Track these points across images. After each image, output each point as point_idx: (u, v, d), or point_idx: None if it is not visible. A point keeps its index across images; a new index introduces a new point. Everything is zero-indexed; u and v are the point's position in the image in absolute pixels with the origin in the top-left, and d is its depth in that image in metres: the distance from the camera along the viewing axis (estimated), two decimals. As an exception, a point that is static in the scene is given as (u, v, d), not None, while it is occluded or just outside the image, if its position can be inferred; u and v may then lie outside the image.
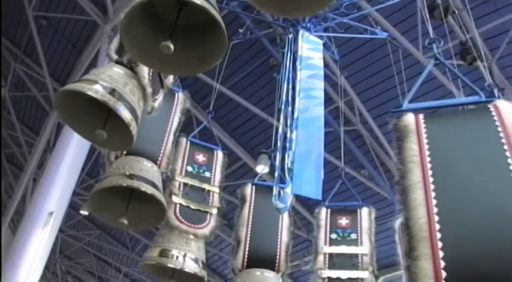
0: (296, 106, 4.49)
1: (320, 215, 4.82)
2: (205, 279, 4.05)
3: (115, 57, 3.18)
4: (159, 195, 3.41)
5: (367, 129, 11.37)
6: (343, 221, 4.74)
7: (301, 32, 5.35)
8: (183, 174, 4.32)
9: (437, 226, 2.05)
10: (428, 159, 2.31)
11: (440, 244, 2.00)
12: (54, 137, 11.52)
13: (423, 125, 2.50)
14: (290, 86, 4.71)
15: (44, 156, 11.81)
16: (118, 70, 3.02)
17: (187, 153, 4.46)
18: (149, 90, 3.15)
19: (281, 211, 4.06)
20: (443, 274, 1.93)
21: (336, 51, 7.25)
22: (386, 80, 10.21)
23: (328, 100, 10.87)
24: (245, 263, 4.29)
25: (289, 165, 4.04)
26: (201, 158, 4.53)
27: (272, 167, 5.60)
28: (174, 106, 4.10)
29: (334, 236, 4.63)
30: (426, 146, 2.38)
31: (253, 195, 4.65)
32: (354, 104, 11.01)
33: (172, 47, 2.27)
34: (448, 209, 2.10)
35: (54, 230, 7.79)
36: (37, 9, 10.82)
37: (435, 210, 2.10)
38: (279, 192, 3.94)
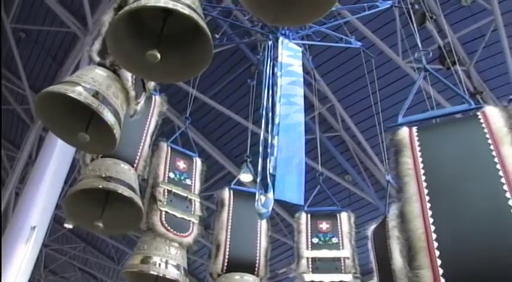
0: (277, 112, 4.53)
1: (300, 219, 4.86)
2: None
3: (97, 59, 3.13)
4: (137, 198, 3.37)
5: (349, 135, 11.46)
6: (324, 225, 4.80)
7: (281, 39, 5.40)
8: (166, 180, 4.30)
9: (434, 236, 2.14)
10: (422, 171, 2.40)
11: (437, 253, 2.09)
12: (36, 150, 11.39)
13: (416, 138, 2.59)
14: (270, 92, 4.74)
15: (26, 170, 11.66)
16: (101, 72, 2.98)
17: (168, 159, 4.44)
18: (132, 93, 3.11)
19: (263, 216, 4.08)
20: (442, 281, 2.02)
21: (311, 58, 7.32)
22: (367, 86, 10.30)
23: (310, 107, 10.94)
24: (225, 267, 4.29)
25: (271, 171, 4.06)
26: (181, 164, 4.52)
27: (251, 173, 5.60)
28: (151, 109, 4.09)
29: (315, 240, 4.68)
30: (420, 159, 2.47)
31: (231, 200, 4.66)
32: (336, 110, 11.08)
33: (158, 56, 2.27)
34: (443, 219, 2.18)
35: (37, 244, 7.67)
36: (15, 21, 10.73)
37: (431, 220, 2.19)
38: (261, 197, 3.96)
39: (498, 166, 2.29)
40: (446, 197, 2.28)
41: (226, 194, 4.71)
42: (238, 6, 7.60)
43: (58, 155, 8.18)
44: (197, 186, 4.51)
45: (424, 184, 2.36)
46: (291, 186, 4.14)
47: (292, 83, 4.85)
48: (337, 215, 4.94)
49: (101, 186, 3.25)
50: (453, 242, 2.11)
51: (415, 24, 5.65)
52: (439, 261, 2.07)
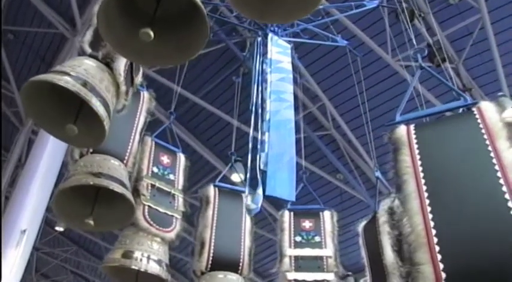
0: (267, 108, 4.53)
1: (283, 217, 4.81)
2: None
3: (89, 50, 3.04)
4: (128, 194, 3.30)
5: (340, 134, 11.49)
6: (307, 224, 4.76)
7: (270, 35, 5.40)
8: (150, 175, 4.24)
9: (434, 231, 2.19)
10: (420, 169, 2.45)
11: (437, 248, 2.14)
12: (25, 153, 11.31)
13: (414, 136, 2.63)
14: (260, 88, 4.74)
15: (16, 173, 11.57)
16: (94, 65, 2.88)
17: (152, 153, 4.38)
18: (123, 88, 3.04)
19: (252, 212, 4.08)
20: (443, 275, 2.07)
21: (296, 56, 7.33)
22: (357, 85, 10.35)
23: (300, 106, 10.95)
24: (209, 265, 4.22)
25: (261, 167, 4.06)
26: (165, 159, 4.46)
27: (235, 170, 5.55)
28: (140, 105, 4.03)
29: (298, 238, 4.65)
30: (418, 156, 2.51)
31: (216, 197, 4.59)
32: (326, 109, 11.11)
33: (152, 34, 2.22)
34: (443, 215, 2.23)
35: (27, 248, 7.59)
36: (3, 22, 10.64)
37: (430, 216, 2.24)
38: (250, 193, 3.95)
39: (494, 160, 2.33)
40: (444, 193, 2.33)
41: (212, 191, 4.64)
42: (225, 1, 7.58)
43: (48, 158, 8.12)
44: (181, 181, 4.45)
45: (423, 181, 2.40)
46: (282, 183, 4.15)
47: (282, 79, 4.85)
48: (320, 213, 4.91)
49: (92, 183, 3.17)
50: (452, 237, 2.16)
51: (408, 22, 5.67)
52: (439, 256, 2.11)
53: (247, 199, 3.88)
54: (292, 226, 4.73)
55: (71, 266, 19.18)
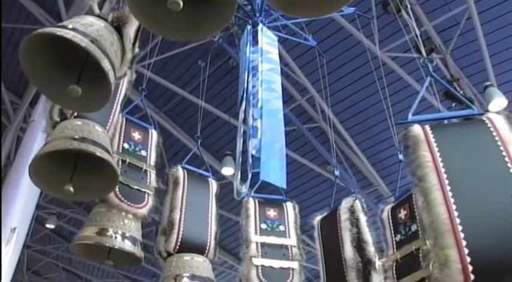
0: (259, 96, 4.59)
1: (248, 204, 4.79)
2: (142, 261, 3.93)
3: (98, 11, 2.89)
4: (113, 161, 3.18)
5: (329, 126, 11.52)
6: (271, 212, 4.79)
7: (260, 25, 5.45)
8: (120, 151, 4.16)
9: (458, 220, 2.40)
10: (441, 164, 2.66)
11: (462, 235, 2.34)
12: (14, 151, 11.23)
13: (431, 135, 2.83)
14: (250, 76, 4.80)
15: (5, 171, 11.47)
16: (104, 27, 2.74)
17: (123, 129, 4.29)
18: (129, 56, 2.94)
19: (241, 195, 4.12)
20: (468, 259, 2.26)
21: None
22: (345, 76, 10.40)
23: (290, 99, 10.97)
24: (177, 247, 4.22)
25: (253, 153, 4.10)
26: (136, 135, 4.37)
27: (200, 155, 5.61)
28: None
29: (264, 226, 4.67)
30: (438, 153, 2.72)
31: (185, 180, 4.58)
32: (315, 101, 11.13)
33: (181, 3, 2.22)
34: (465, 205, 2.46)
35: (18, 246, 7.56)
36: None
37: (454, 207, 2.45)
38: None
39: (509, 164, 2.59)
40: (465, 187, 2.56)
41: (181, 172, 4.62)
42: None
43: (37, 155, 8.07)
44: (153, 157, 4.38)
45: (445, 175, 2.60)
46: (275, 169, 4.24)
47: (271, 70, 4.94)
48: (283, 204, 4.97)
49: (73, 147, 3.02)
50: (476, 225, 2.37)
51: (414, 26, 5.75)
52: (464, 242, 2.31)
53: (237, 182, 3.92)
54: (257, 213, 4.73)
55: (63, 263, 19.13)
